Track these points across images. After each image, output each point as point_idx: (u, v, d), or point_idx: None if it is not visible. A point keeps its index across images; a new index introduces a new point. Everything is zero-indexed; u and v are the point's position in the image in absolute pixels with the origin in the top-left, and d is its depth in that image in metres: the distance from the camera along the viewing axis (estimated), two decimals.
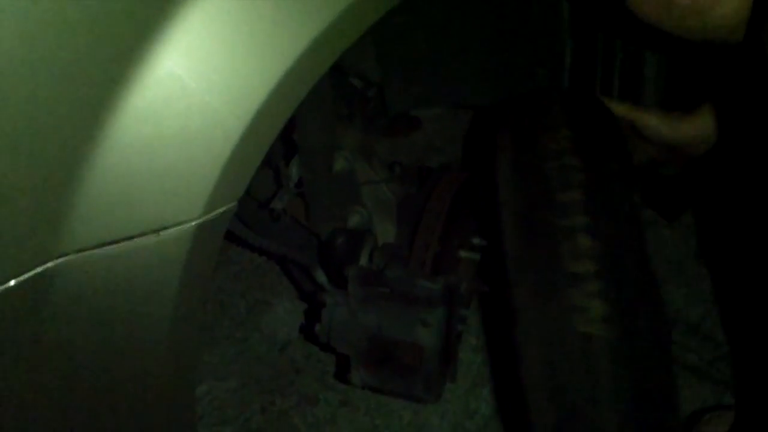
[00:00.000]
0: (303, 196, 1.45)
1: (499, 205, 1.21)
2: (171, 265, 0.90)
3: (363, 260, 1.44)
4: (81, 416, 0.96)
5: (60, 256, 0.85)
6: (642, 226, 1.15)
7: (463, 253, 1.57)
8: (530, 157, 1.19)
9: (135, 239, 0.87)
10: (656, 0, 1.13)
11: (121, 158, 0.84)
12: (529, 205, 1.16)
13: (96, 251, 0.86)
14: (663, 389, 1.10)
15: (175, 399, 1.02)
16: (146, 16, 0.82)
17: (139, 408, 0.99)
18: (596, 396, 1.06)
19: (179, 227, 0.88)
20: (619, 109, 1.38)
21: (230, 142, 0.87)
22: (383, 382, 1.39)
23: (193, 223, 0.88)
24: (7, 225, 0.81)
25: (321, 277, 1.56)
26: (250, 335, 2.05)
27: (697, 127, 1.41)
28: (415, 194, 1.56)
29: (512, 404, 1.22)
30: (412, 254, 1.44)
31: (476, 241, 1.59)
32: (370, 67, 1.55)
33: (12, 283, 0.83)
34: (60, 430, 0.96)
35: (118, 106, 0.83)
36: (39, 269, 0.84)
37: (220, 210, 0.90)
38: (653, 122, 1.40)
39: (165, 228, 0.88)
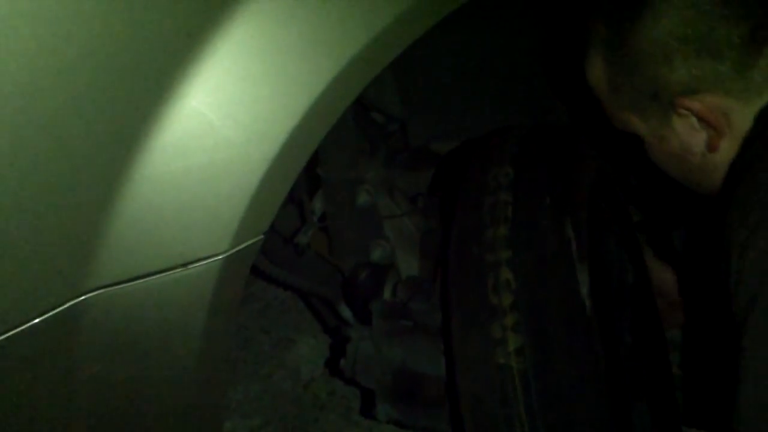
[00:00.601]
0: (326, 231, 1.46)
1: (446, 239, 1.26)
2: (198, 298, 0.91)
3: (387, 294, 1.44)
4: None
5: (89, 292, 0.86)
6: (577, 260, 1.14)
7: None
8: (474, 193, 1.22)
9: (163, 273, 0.88)
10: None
11: (149, 193, 0.86)
12: (464, 239, 1.19)
13: (125, 286, 0.88)
14: (587, 420, 1.12)
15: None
16: (174, 56, 0.84)
17: None
18: (512, 426, 1.11)
19: (206, 261, 0.89)
20: None
21: (255, 177, 0.89)
22: (408, 416, 1.38)
23: (220, 257, 0.89)
24: (36, 261, 0.83)
25: (345, 311, 1.56)
26: (275, 372, 2.05)
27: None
28: (437, 227, 1.56)
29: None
30: (435, 287, 1.44)
31: None
32: (392, 102, 1.56)
33: (44, 317, 0.84)
34: None
35: (147, 141, 0.84)
36: (68, 304, 0.86)
37: (247, 244, 0.91)
38: None
39: (192, 262, 0.89)
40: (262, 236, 0.93)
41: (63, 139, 0.80)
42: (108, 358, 0.91)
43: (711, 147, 1.16)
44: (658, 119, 1.20)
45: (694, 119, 1.16)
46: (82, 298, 0.86)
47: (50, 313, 0.84)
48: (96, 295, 0.87)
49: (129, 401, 0.95)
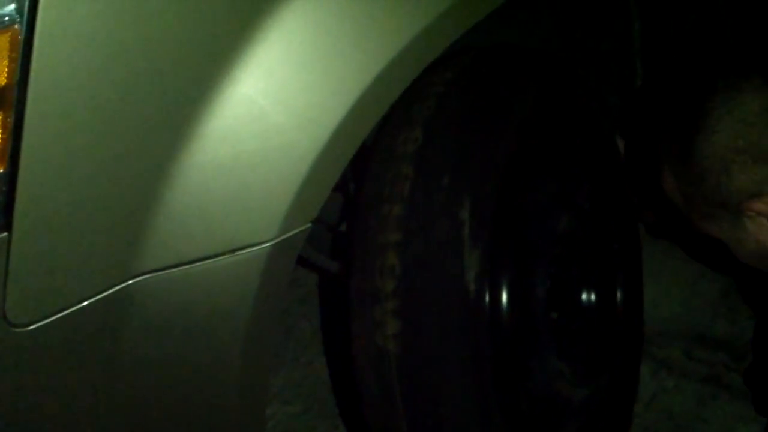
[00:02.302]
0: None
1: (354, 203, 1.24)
2: (246, 285, 0.91)
3: None
4: (153, 429, 0.98)
5: (138, 275, 0.87)
6: (468, 244, 1.11)
7: None
8: (382, 157, 1.18)
9: (211, 259, 0.89)
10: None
11: (199, 179, 0.86)
12: (366, 209, 1.17)
13: (173, 271, 0.88)
14: (453, 406, 1.14)
15: (246, 419, 1.03)
16: (227, 41, 0.84)
17: (211, 426, 1.00)
18: (385, 402, 1.14)
19: (254, 248, 0.89)
20: None
21: (305, 164, 0.89)
22: None
23: (268, 244, 0.89)
24: (87, 243, 0.83)
25: None
26: (315, 359, 2.05)
27: None
28: None
29: None
30: None
31: None
32: None
33: (93, 299, 0.85)
34: None
35: (198, 127, 0.85)
36: (117, 288, 0.86)
37: (294, 231, 0.92)
38: None
39: (240, 249, 0.89)
40: (309, 224, 0.93)
41: (114, 125, 0.81)
42: (154, 342, 0.92)
43: None
44: (731, 224, 1.30)
45: (764, 219, 1.25)
46: (131, 282, 0.87)
47: (98, 296, 0.85)
48: (144, 279, 0.88)
49: (173, 385, 0.96)
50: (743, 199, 1.25)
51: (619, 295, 1.66)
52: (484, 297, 1.14)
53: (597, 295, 1.58)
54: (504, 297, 1.28)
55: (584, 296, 1.57)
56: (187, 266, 0.88)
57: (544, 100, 1.32)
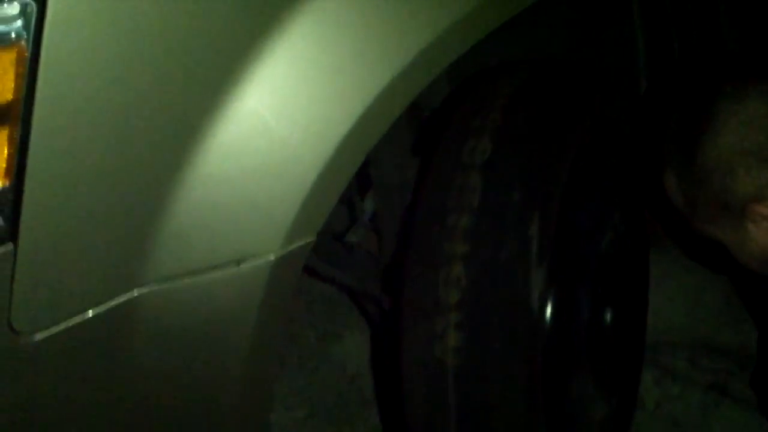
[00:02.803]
0: (377, 230, 1.46)
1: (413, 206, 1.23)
2: (250, 296, 0.91)
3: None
4: None
5: (144, 285, 0.88)
6: (535, 262, 1.11)
7: None
8: (447, 165, 1.17)
9: (216, 270, 0.89)
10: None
11: (204, 191, 0.86)
12: (429, 217, 1.16)
13: (178, 281, 0.89)
14: (515, 418, 1.13)
15: (250, 428, 1.03)
16: (233, 56, 0.84)
17: None
18: (438, 417, 1.13)
19: (259, 260, 0.90)
20: None
21: (309, 178, 0.89)
22: None
23: (272, 257, 0.90)
24: (92, 254, 0.84)
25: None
26: (320, 365, 2.06)
27: None
28: None
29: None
30: None
31: None
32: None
33: (98, 310, 0.85)
34: None
35: (204, 140, 0.85)
36: (122, 298, 0.87)
37: (299, 244, 0.92)
38: None
39: (245, 260, 0.89)
40: (314, 237, 0.94)
41: (120, 139, 0.81)
42: (160, 352, 0.92)
43: None
44: (733, 227, 1.29)
45: (767, 222, 1.24)
46: (136, 292, 0.87)
47: (104, 306, 0.86)
48: (149, 290, 0.88)
49: (179, 394, 0.96)
50: (747, 202, 1.25)
51: (635, 314, 1.67)
52: (546, 317, 1.15)
53: (621, 314, 1.58)
54: (558, 317, 1.27)
55: (610, 315, 1.56)
56: (192, 277, 0.89)
57: (598, 117, 1.34)
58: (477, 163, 1.13)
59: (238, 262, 0.89)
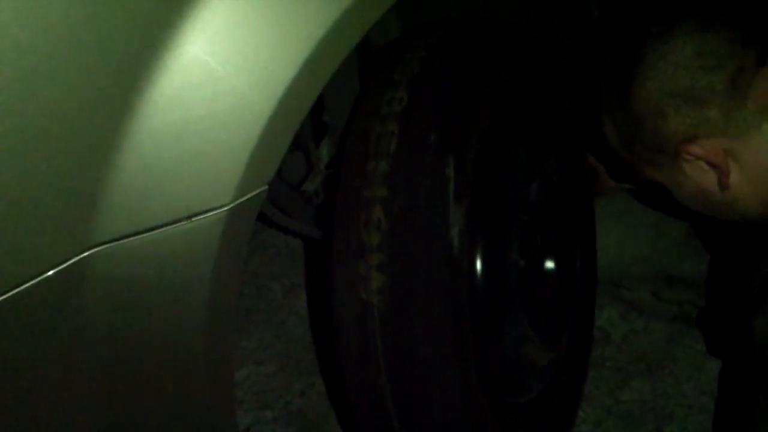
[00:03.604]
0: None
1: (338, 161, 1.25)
2: (204, 251, 0.90)
3: None
4: (120, 402, 0.97)
5: (95, 246, 0.86)
6: (452, 200, 1.14)
7: None
8: (366, 116, 1.20)
9: (168, 227, 0.87)
10: None
11: (150, 145, 0.84)
12: (350, 167, 1.19)
13: (130, 240, 0.87)
14: (442, 360, 1.15)
15: (214, 384, 1.02)
16: (170, 5, 0.81)
17: (178, 393, 1.00)
18: (366, 357, 1.15)
19: (211, 213, 0.88)
20: None
21: (258, 125, 0.87)
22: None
23: (225, 209, 0.88)
24: (41, 216, 0.82)
25: None
26: (287, 319, 2.05)
27: None
28: None
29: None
30: None
31: None
32: None
33: (51, 273, 0.83)
34: (100, 416, 0.96)
35: (146, 92, 0.83)
36: (75, 259, 0.85)
37: (251, 194, 0.90)
38: None
39: (197, 214, 0.88)
40: (266, 186, 0.92)
41: (61, 94, 0.78)
42: (117, 313, 0.91)
43: (722, 185, 1.27)
44: (669, 168, 1.33)
45: (701, 162, 1.27)
46: (86, 254, 0.85)
47: (55, 270, 0.84)
48: (101, 250, 0.86)
49: (139, 355, 0.95)
50: (679, 143, 1.27)
51: (578, 263, 1.70)
52: (466, 254, 1.16)
53: (559, 263, 1.62)
54: (481, 257, 1.31)
55: (548, 264, 1.60)
56: (144, 235, 0.87)
57: (518, 70, 1.34)
58: (395, 111, 1.17)
59: (190, 217, 0.87)
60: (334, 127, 1.36)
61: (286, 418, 1.79)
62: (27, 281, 0.82)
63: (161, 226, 0.87)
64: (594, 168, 1.77)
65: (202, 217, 0.88)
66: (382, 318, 1.12)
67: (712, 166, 1.26)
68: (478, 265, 1.30)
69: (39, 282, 0.83)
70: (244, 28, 0.86)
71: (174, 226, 0.87)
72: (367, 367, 1.16)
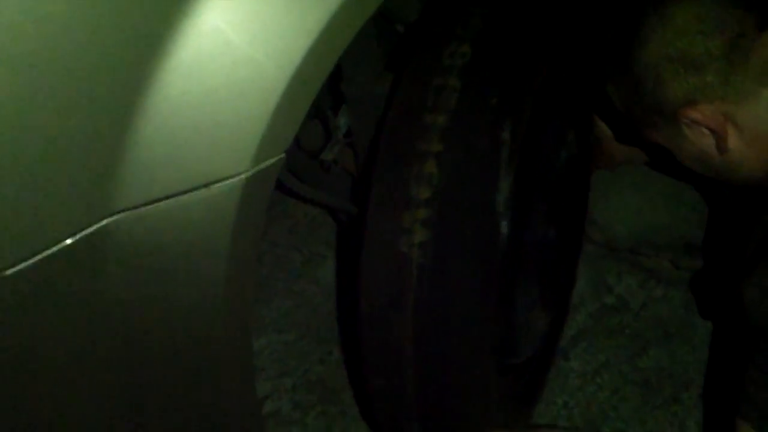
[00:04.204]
0: (353, 146, 1.45)
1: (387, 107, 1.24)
2: (222, 218, 0.90)
3: None
4: (138, 369, 0.98)
5: (113, 214, 0.86)
6: (504, 167, 1.14)
7: None
8: (426, 66, 1.19)
9: (186, 194, 0.88)
10: None
11: (168, 114, 0.85)
12: (403, 116, 1.17)
13: (148, 208, 0.87)
14: (469, 318, 1.16)
15: (233, 351, 1.04)
16: None
17: (197, 360, 1.01)
18: (397, 310, 1.15)
19: (229, 181, 0.88)
20: None
21: (275, 94, 0.87)
22: None
23: (243, 176, 0.88)
24: (60, 184, 0.82)
25: None
26: (307, 288, 2.07)
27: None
28: None
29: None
30: None
31: None
32: (415, 13, 1.53)
33: (69, 240, 0.84)
34: (118, 382, 0.98)
35: (165, 61, 0.83)
36: (94, 227, 0.86)
37: (268, 162, 0.90)
38: None
39: (215, 182, 0.88)
40: (283, 154, 0.92)
41: (81, 61, 0.79)
42: (135, 280, 0.91)
43: (720, 149, 1.28)
44: (670, 131, 1.33)
45: (701, 126, 1.27)
46: (106, 221, 0.86)
47: (76, 237, 0.84)
48: (119, 217, 0.87)
49: (158, 322, 0.96)
50: (677, 107, 1.27)
51: (579, 230, 1.72)
52: (507, 219, 1.18)
53: (565, 231, 1.65)
54: (516, 222, 1.32)
55: (555, 231, 1.62)
56: (162, 202, 0.87)
57: (563, 39, 1.36)
58: (457, 65, 1.15)
59: (208, 185, 0.88)
60: (353, 97, 1.37)
61: (305, 386, 1.80)
62: (46, 249, 0.83)
63: (179, 194, 0.88)
64: (599, 140, 1.77)
65: (220, 184, 0.88)
66: (419, 273, 1.12)
67: (711, 130, 1.27)
68: (510, 229, 1.29)
69: (58, 250, 0.84)
70: None
71: (192, 193, 0.88)
72: (396, 321, 1.16)
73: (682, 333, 1.82)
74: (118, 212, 0.86)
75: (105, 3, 0.78)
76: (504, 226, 1.25)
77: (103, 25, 0.79)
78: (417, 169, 1.11)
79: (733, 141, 1.27)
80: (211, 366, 1.02)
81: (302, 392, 1.79)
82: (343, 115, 1.41)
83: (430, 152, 1.11)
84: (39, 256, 0.83)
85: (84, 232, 0.85)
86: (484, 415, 1.28)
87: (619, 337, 1.83)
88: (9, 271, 0.82)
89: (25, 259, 0.82)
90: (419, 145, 1.12)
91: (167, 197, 0.88)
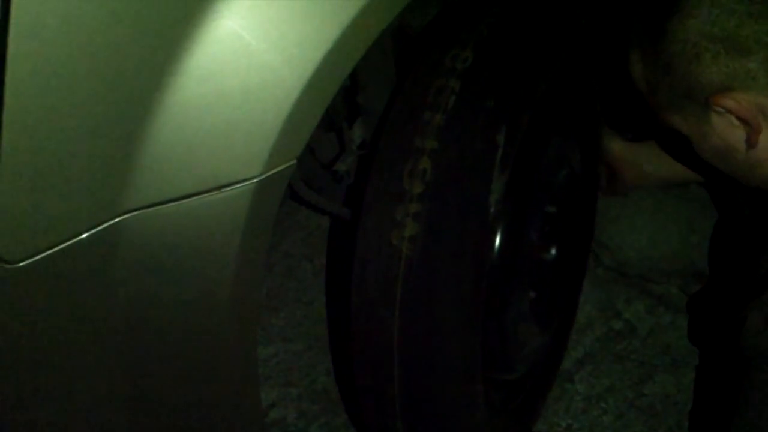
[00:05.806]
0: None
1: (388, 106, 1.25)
2: (232, 222, 0.91)
3: None
4: (145, 366, 0.99)
5: (127, 212, 0.88)
6: (498, 168, 1.15)
7: None
8: (428, 68, 1.21)
9: (198, 196, 0.89)
10: None
11: (183, 116, 0.86)
12: (404, 113, 1.19)
13: (160, 208, 0.89)
14: (457, 316, 1.17)
15: (238, 356, 1.05)
16: None
17: (202, 361, 1.02)
18: (384, 302, 1.16)
19: (240, 185, 0.90)
20: None
21: (289, 100, 0.89)
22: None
23: (254, 181, 0.90)
24: (77, 181, 0.84)
25: None
26: (317, 298, 2.07)
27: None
28: None
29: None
30: None
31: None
32: None
33: (84, 235, 0.86)
34: (125, 377, 0.99)
35: (182, 64, 0.84)
36: (108, 223, 0.87)
37: (280, 168, 0.92)
38: None
39: (226, 185, 0.89)
40: (294, 161, 0.93)
41: (97, 62, 0.80)
42: (145, 278, 0.93)
43: (750, 143, 1.19)
44: (696, 117, 1.23)
45: (732, 116, 1.18)
46: (119, 218, 0.87)
47: (88, 233, 0.86)
48: (133, 216, 0.88)
49: (166, 321, 0.97)
50: (711, 93, 1.18)
51: (580, 254, 1.73)
52: (498, 222, 1.18)
53: (565, 252, 1.64)
54: (508, 230, 1.32)
55: (556, 251, 1.62)
56: (174, 203, 0.89)
57: (570, 56, 1.36)
58: (458, 68, 1.18)
59: (220, 188, 0.89)
60: (368, 109, 1.38)
61: (310, 395, 1.81)
62: (62, 242, 0.85)
63: (191, 196, 0.89)
64: (611, 166, 1.77)
65: (231, 188, 0.89)
66: (408, 266, 1.14)
67: (743, 122, 1.18)
68: (503, 236, 1.31)
69: (73, 244, 0.85)
70: (279, 4, 0.87)
71: (204, 196, 0.89)
72: (382, 312, 1.17)
73: (688, 361, 1.81)
74: (131, 211, 0.88)
75: (123, 5, 0.80)
76: (497, 231, 1.27)
77: (121, 27, 0.80)
78: (412, 165, 1.14)
79: (764, 137, 1.18)
80: (214, 366, 1.03)
81: (307, 401, 1.79)
82: (357, 127, 1.42)
83: (426, 149, 1.14)
84: (53, 249, 0.84)
85: (97, 229, 0.86)
86: (469, 420, 1.29)
87: (626, 362, 1.82)
88: (21, 264, 0.83)
89: (40, 252, 0.84)
90: (416, 141, 1.15)
91: (180, 198, 0.89)
